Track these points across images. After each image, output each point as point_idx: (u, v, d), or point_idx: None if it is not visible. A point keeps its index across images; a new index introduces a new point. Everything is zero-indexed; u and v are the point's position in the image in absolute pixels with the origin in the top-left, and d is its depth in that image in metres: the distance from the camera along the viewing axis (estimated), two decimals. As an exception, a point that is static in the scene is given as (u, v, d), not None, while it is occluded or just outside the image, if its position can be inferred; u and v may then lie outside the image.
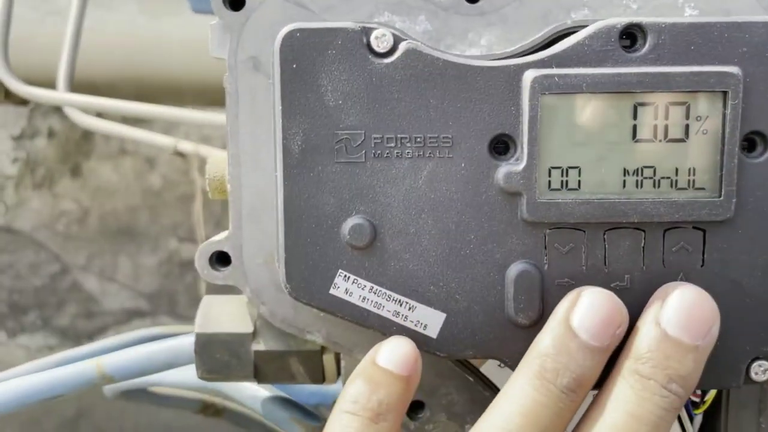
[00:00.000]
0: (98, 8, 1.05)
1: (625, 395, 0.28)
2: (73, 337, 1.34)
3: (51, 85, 0.87)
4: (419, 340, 0.31)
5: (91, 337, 1.34)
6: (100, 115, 0.88)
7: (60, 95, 0.80)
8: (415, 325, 0.31)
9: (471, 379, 0.35)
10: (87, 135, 1.22)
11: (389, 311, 0.31)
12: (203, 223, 1.00)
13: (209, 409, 0.59)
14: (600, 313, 0.29)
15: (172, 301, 1.33)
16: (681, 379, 0.28)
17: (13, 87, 0.80)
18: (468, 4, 0.32)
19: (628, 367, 0.28)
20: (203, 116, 0.74)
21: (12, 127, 1.29)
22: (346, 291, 0.31)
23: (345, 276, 0.31)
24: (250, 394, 0.46)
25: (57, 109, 1.10)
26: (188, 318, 0.40)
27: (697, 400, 0.35)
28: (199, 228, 1.04)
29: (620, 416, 0.28)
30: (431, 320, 0.31)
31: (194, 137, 1.18)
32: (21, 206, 1.31)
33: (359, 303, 0.31)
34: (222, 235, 0.35)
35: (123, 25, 1.10)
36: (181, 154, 0.79)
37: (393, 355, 0.30)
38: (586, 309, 0.29)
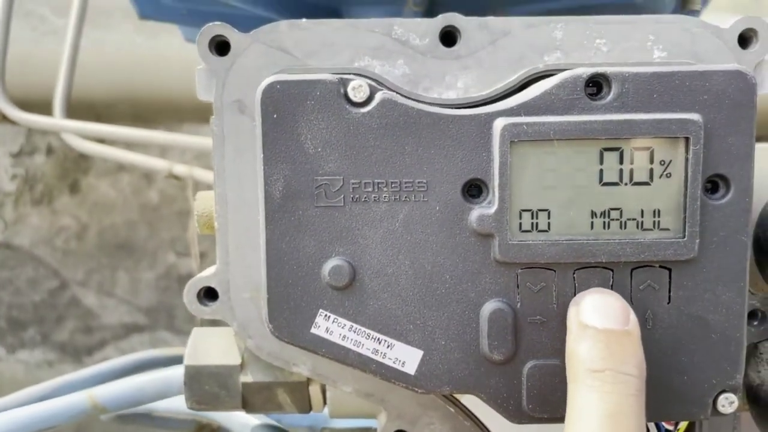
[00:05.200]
0: (95, 28, 1.07)
1: (590, 400, 0.28)
2: (72, 352, 1.35)
3: (48, 103, 0.88)
4: (397, 376, 0.32)
5: (90, 352, 1.35)
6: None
7: (56, 121, 0.81)
8: (394, 363, 0.32)
9: (452, 409, 0.37)
10: (85, 152, 1.23)
11: (368, 349, 0.32)
12: (197, 241, 1.01)
13: (205, 429, 0.60)
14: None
15: (171, 316, 1.34)
16: (631, 359, 0.29)
17: (10, 114, 0.81)
18: (444, 48, 0.33)
19: (579, 372, 0.29)
20: (198, 141, 0.75)
21: (11, 144, 1.30)
22: (327, 330, 0.32)
23: (326, 315, 0.32)
24: (241, 421, 0.47)
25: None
26: (186, 332, 0.40)
27: (671, 428, 0.37)
28: (193, 246, 1.05)
29: (596, 422, 0.28)
30: (409, 357, 0.32)
31: (190, 154, 1.19)
32: (20, 222, 1.32)
33: (339, 341, 0.32)
34: (210, 271, 0.36)
35: (120, 44, 1.11)
36: (176, 177, 0.80)
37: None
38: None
